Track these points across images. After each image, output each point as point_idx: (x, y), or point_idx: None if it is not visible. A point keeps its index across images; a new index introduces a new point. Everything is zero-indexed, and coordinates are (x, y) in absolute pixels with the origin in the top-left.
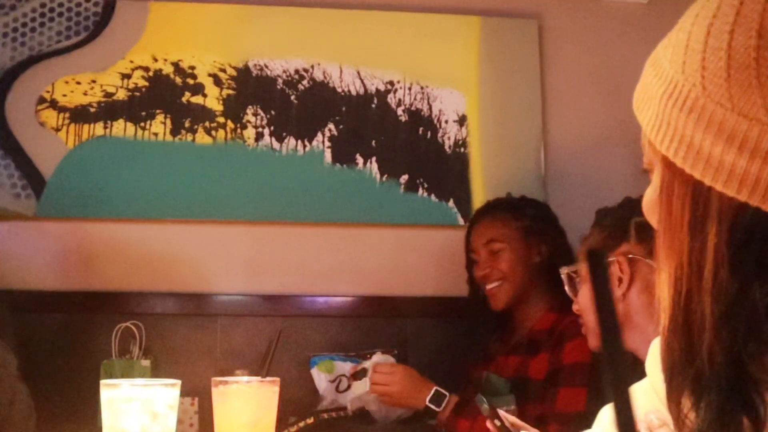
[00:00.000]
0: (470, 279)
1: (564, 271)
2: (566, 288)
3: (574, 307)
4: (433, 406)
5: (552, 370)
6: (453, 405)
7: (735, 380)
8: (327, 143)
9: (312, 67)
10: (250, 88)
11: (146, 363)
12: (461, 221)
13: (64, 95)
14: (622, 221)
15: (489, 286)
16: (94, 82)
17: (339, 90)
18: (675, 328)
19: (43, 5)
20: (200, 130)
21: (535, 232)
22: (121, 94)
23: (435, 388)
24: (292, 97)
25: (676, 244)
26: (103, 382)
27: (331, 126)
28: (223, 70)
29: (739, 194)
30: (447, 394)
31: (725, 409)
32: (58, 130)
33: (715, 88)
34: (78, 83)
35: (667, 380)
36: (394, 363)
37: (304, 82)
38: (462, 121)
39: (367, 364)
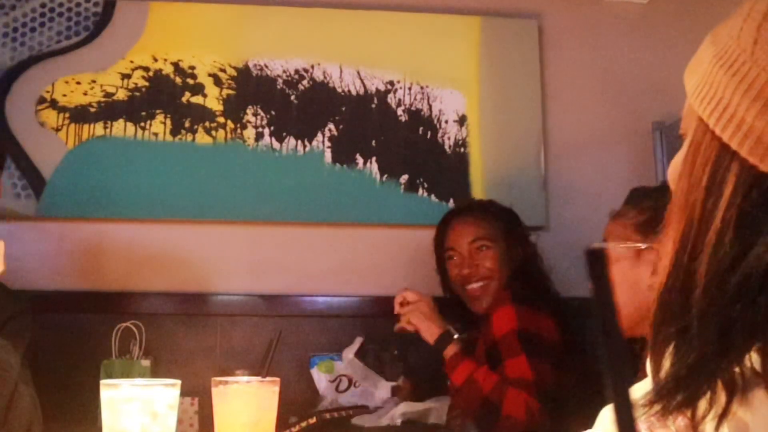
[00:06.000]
0: (445, 281)
1: (592, 246)
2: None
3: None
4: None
5: (488, 347)
6: (460, 344)
7: (719, 341)
8: (327, 143)
9: (312, 67)
10: (250, 88)
11: (146, 363)
12: None
13: (64, 95)
14: (665, 206)
15: (472, 286)
16: (94, 82)
17: (339, 90)
18: (673, 284)
19: (43, 5)
20: (200, 130)
21: (513, 234)
22: (121, 94)
23: (448, 328)
24: (292, 97)
25: (690, 201)
26: (103, 382)
27: (331, 126)
28: (223, 70)
29: (762, 163)
30: (456, 336)
31: (702, 363)
32: (58, 130)
33: (764, 54)
34: (78, 83)
35: (654, 334)
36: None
37: (304, 82)
38: (462, 121)
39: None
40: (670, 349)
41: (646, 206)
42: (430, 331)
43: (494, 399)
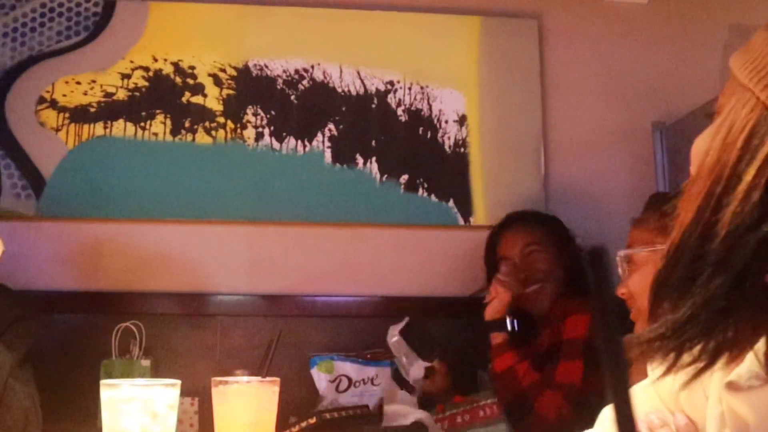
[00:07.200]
0: None
1: (621, 254)
2: (618, 270)
3: (620, 291)
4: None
5: (553, 343)
6: (506, 336)
7: (728, 294)
8: (327, 143)
9: (312, 67)
10: (250, 88)
11: (146, 363)
12: (461, 221)
13: (64, 95)
14: None
15: (529, 290)
16: (94, 82)
17: (339, 90)
18: (689, 237)
19: (43, 5)
20: (200, 130)
21: (561, 237)
22: (121, 94)
23: (507, 317)
24: (292, 97)
25: (721, 161)
26: (103, 382)
27: (331, 126)
28: (223, 70)
29: None
30: (508, 329)
31: (705, 311)
32: (58, 130)
33: None
34: (78, 83)
35: (657, 287)
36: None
37: (304, 82)
38: (462, 121)
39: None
40: (673, 298)
41: (668, 210)
42: (492, 309)
43: (530, 394)
